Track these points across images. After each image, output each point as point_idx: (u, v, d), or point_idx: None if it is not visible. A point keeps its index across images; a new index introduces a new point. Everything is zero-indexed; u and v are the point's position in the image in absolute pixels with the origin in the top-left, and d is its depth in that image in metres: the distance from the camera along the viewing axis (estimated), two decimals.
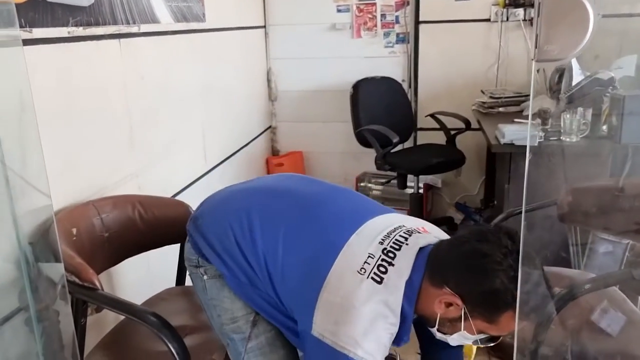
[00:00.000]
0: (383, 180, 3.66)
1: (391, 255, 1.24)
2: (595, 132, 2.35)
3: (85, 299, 1.35)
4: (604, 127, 2.40)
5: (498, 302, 1.15)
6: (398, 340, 1.29)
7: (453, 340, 1.27)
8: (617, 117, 2.24)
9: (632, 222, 1.59)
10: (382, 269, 1.22)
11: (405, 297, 1.21)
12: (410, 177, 3.37)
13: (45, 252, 1.31)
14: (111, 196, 1.71)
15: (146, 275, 1.99)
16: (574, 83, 2.47)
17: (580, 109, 2.33)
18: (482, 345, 1.30)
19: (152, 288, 1.85)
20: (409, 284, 1.22)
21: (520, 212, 1.92)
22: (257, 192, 1.49)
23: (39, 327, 1.26)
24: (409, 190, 3.47)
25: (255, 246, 1.32)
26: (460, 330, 1.23)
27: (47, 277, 1.31)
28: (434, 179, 3.69)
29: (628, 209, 1.63)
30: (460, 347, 1.49)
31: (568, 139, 2.31)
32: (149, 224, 1.74)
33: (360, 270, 1.21)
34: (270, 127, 3.86)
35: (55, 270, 1.31)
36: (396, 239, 1.27)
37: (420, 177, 3.43)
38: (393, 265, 1.23)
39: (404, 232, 1.30)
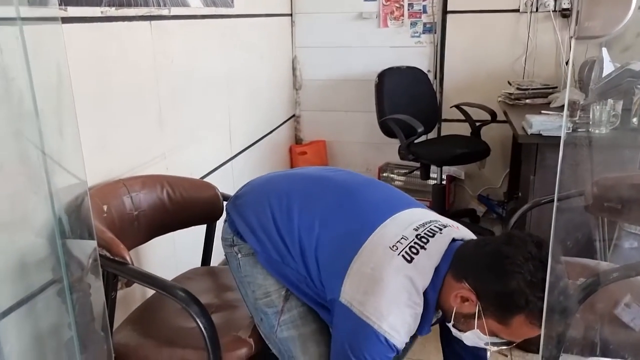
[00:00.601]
0: (405, 171, 3.65)
1: (424, 240, 1.28)
2: (625, 125, 2.32)
3: (116, 272, 1.38)
4: (635, 120, 2.36)
5: (510, 304, 1.16)
6: (420, 328, 1.31)
7: (467, 338, 1.29)
8: None
9: None
10: (413, 250, 1.25)
11: (431, 282, 1.24)
12: (433, 168, 3.36)
13: (78, 227, 1.33)
14: (141, 175, 1.74)
15: (172, 255, 2.02)
16: (604, 74, 2.43)
17: (610, 101, 2.30)
18: (495, 349, 1.31)
19: (178, 268, 1.88)
20: (436, 271, 1.25)
21: (546, 202, 1.91)
22: (299, 177, 1.56)
23: (72, 298, 1.30)
24: (432, 182, 3.46)
25: (291, 222, 1.36)
26: (473, 328, 1.25)
27: (79, 250, 1.34)
28: (457, 171, 3.67)
29: None
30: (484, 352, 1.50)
31: (597, 131, 2.28)
32: (177, 204, 1.77)
33: (393, 247, 1.25)
34: (294, 115, 3.87)
35: (88, 244, 1.34)
36: (431, 228, 1.31)
37: (444, 168, 3.42)
38: (425, 249, 1.26)
39: (439, 224, 1.34)
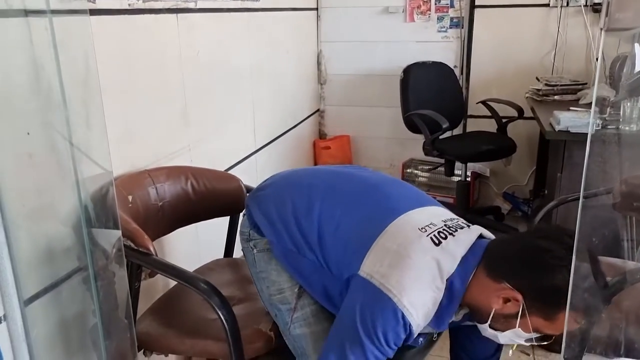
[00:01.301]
0: (430, 167, 3.63)
1: (453, 229, 1.28)
2: None
3: (139, 263, 1.40)
4: None
5: (558, 299, 1.12)
6: (439, 321, 1.29)
7: (504, 337, 1.27)
8: None
9: None
10: (442, 235, 1.25)
11: (456, 273, 1.22)
12: (457, 165, 3.32)
13: (103, 216, 1.36)
14: (165, 166, 1.76)
15: (195, 245, 2.04)
16: (636, 70, 2.37)
17: None
18: (535, 344, 1.28)
19: (200, 259, 1.90)
20: (464, 261, 1.23)
21: (573, 200, 1.87)
22: (322, 172, 1.58)
23: (96, 286, 1.32)
24: (456, 178, 3.42)
25: (311, 211, 1.36)
26: (514, 327, 1.23)
27: (105, 239, 1.36)
28: (482, 168, 3.62)
29: None
30: (499, 347, 1.48)
31: (627, 128, 2.22)
32: (201, 195, 1.78)
33: (422, 229, 1.25)
34: (318, 110, 3.87)
35: (113, 234, 1.36)
36: (458, 224, 1.31)
37: (468, 165, 3.38)
38: (454, 236, 1.25)
39: (465, 222, 1.34)
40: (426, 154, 3.24)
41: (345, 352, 1.22)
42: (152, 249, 1.37)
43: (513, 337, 1.27)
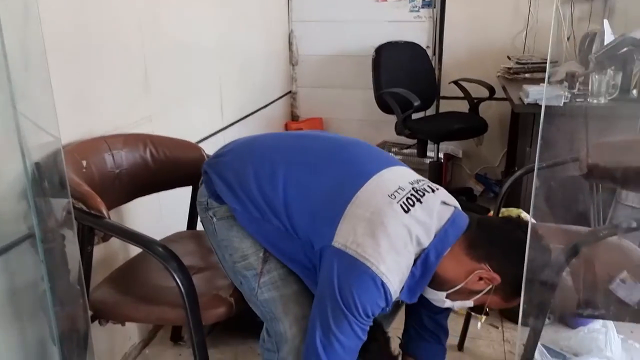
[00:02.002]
0: (404, 150, 3.61)
1: (420, 194, 1.27)
2: (624, 95, 2.27)
3: (91, 225, 1.34)
4: (634, 91, 2.31)
5: None
6: (411, 294, 1.29)
7: (449, 304, 1.31)
8: None
9: None
10: (410, 201, 1.24)
11: (434, 247, 1.23)
12: (430, 146, 3.31)
13: (52, 181, 1.30)
14: (123, 134, 1.70)
15: (157, 217, 1.98)
16: (605, 44, 2.38)
17: (609, 71, 2.25)
18: (472, 313, 1.39)
19: (163, 231, 1.84)
20: (443, 235, 1.24)
21: (540, 168, 1.86)
22: (284, 135, 1.55)
23: (44, 250, 1.26)
24: (429, 160, 3.41)
25: (275, 176, 1.32)
26: (470, 300, 1.29)
27: (54, 204, 1.30)
28: (455, 149, 3.62)
29: None
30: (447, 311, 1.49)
31: (595, 101, 2.23)
32: (161, 164, 1.73)
33: (391, 195, 1.24)
34: (290, 92, 3.82)
35: (61, 196, 1.30)
36: (424, 187, 1.30)
37: (441, 146, 3.37)
38: (421, 202, 1.25)
39: (430, 185, 1.33)
40: (398, 134, 3.22)
41: (332, 329, 1.20)
42: (104, 211, 1.32)
43: (457, 305, 1.32)
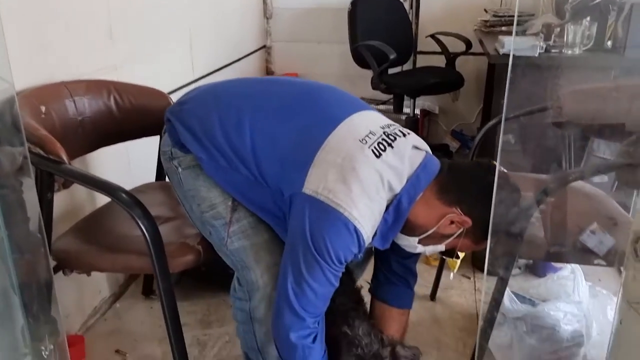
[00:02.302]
0: (379, 106, 3.57)
1: (392, 138, 1.25)
2: (599, 46, 2.25)
3: (50, 171, 1.29)
4: (609, 42, 2.30)
5: None
6: (384, 240, 1.28)
7: (421, 249, 1.32)
8: (623, 29, 2.14)
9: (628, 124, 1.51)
10: (381, 146, 1.22)
11: (406, 192, 1.22)
12: (406, 102, 3.28)
13: (4, 124, 1.24)
14: (85, 79, 1.63)
15: (125, 168, 1.94)
16: None
17: (585, 21, 2.22)
18: (444, 257, 1.43)
19: (132, 182, 1.79)
20: (415, 179, 1.22)
21: (513, 117, 1.85)
22: (250, 81, 1.50)
23: None
24: (404, 116, 3.38)
25: (241, 123, 1.28)
26: (442, 244, 1.30)
27: (6, 148, 1.25)
28: (431, 105, 3.59)
29: (624, 112, 1.55)
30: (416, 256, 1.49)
31: (570, 52, 2.21)
32: (126, 113, 1.67)
33: (362, 140, 1.21)
34: (264, 46, 3.72)
35: (16, 141, 1.24)
36: (395, 132, 1.28)
37: (417, 102, 3.34)
38: (392, 147, 1.23)
39: (401, 129, 1.31)
40: (374, 88, 3.18)
41: (304, 276, 1.19)
42: (64, 156, 1.27)
43: (429, 250, 1.33)
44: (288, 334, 1.22)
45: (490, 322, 1.48)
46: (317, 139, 1.21)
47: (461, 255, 2.14)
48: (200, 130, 1.30)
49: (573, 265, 1.86)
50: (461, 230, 1.24)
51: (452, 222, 1.23)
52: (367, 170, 1.17)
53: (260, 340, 1.37)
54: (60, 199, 1.75)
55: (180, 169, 1.36)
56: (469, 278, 2.26)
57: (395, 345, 1.30)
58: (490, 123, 1.86)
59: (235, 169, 1.27)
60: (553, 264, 2.15)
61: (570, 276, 1.81)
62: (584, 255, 1.43)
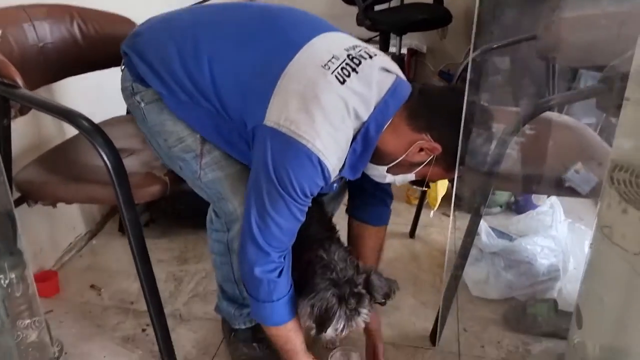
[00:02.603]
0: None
1: (356, 62, 1.17)
2: None
3: (5, 95, 1.23)
4: None
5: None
6: (354, 171, 1.25)
7: (390, 178, 1.28)
8: None
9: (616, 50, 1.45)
10: (345, 71, 1.15)
11: (374, 119, 1.17)
12: (393, 41, 3.18)
13: None
14: (45, 3, 1.54)
15: (95, 101, 1.85)
16: None
17: None
18: (414, 186, 1.35)
19: (104, 116, 1.72)
20: (383, 105, 1.16)
21: (495, 47, 1.79)
22: (206, 8, 1.39)
23: None
24: (390, 55, 3.29)
25: (199, 53, 1.21)
26: (411, 173, 1.26)
27: None
28: (419, 44, 3.50)
29: (613, 39, 1.49)
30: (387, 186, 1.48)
31: None
32: (91, 41, 1.59)
33: (324, 66, 1.14)
34: None
35: None
36: (360, 54, 1.20)
37: (404, 41, 3.25)
38: (357, 72, 1.16)
39: (368, 50, 1.23)
40: (359, 24, 3.07)
41: (268, 211, 1.15)
42: (19, 80, 1.20)
43: (398, 179, 1.29)
44: (253, 268, 1.19)
45: (463, 255, 1.47)
46: (276, 67, 1.14)
47: (433, 185, 2.14)
48: (159, 64, 1.24)
49: (552, 200, 1.84)
50: (431, 157, 1.20)
51: (421, 150, 1.19)
52: (331, 98, 1.11)
53: (237, 271, 1.34)
54: (27, 132, 1.69)
55: (143, 104, 1.30)
56: (449, 216, 2.24)
57: (370, 274, 1.28)
58: (473, 55, 1.79)
59: (197, 103, 1.22)
60: (534, 201, 2.14)
61: (549, 211, 1.79)
62: (564, 189, 1.40)
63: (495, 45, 1.76)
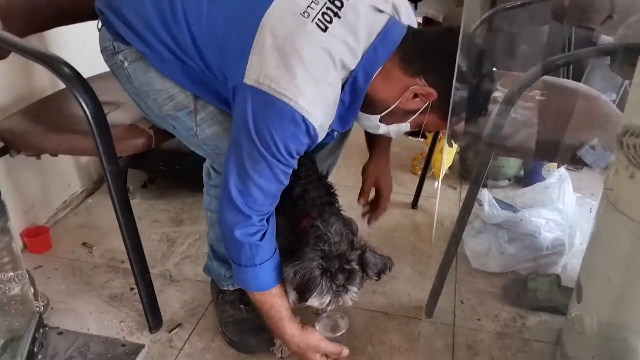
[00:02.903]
0: None
1: (338, 4, 1.08)
2: None
3: None
4: None
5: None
6: (344, 123, 1.18)
7: (384, 129, 1.21)
8: None
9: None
10: (327, 17, 1.06)
11: (363, 67, 1.09)
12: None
13: None
14: None
15: (90, 54, 1.80)
16: None
17: None
18: (410, 137, 1.29)
19: (99, 71, 1.67)
20: (373, 52, 1.09)
21: (510, 8, 1.69)
22: None
23: None
24: None
25: (175, 9, 1.13)
26: (406, 122, 1.18)
27: None
28: (435, 14, 3.38)
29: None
30: None
31: None
32: None
33: (304, 13, 1.06)
34: None
35: None
36: None
37: (420, 10, 3.14)
38: (339, 17, 1.07)
39: None
40: None
41: (249, 173, 1.08)
42: None
43: (393, 130, 1.21)
44: (233, 231, 1.14)
45: (460, 225, 1.40)
46: (252, 19, 1.06)
47: (438, 155, 2.05)
48: (138, 22, 1.16)
49: (562, 173, 1.75)
50: (426, 104, 1.12)
51: (416, 96, 1.11)
52: (312, 49, 1.03)
53: None
54: (19, 85, 1.65)
55: (127, 64, 1.23)
56: (456, 189, 2.17)
57: (365, 251, 1.22)
58: (485, 15, 1.70)
59: (182, 61, 1.16)
60: (544, 175, 2.05)
61: (557, 184, 1.71)
62: (575, 158, 1.32)
63: (509, 6, 1.66)
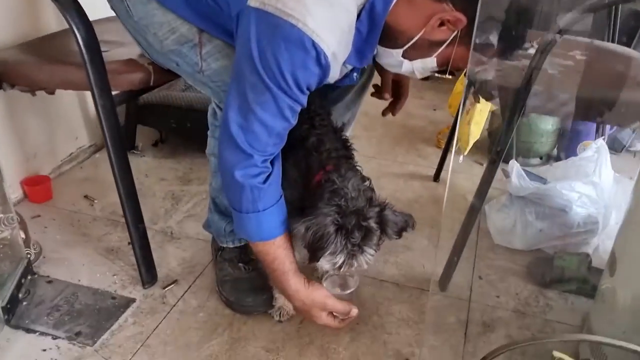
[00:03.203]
0: None
1: None
2: None
3: None
4: None
5: None
6: (361, 56, 1.06)
7: (408, 67, 1.08)
8: None
9: None
10: None
11: None
12: None
13: None
14: None
15: None
16: None
17: None
18: (437, 75, 1.13)
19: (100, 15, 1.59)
20: None
21: None
22: None
23: None
24: None
25: None
26: (432, 56, 1.05)
27: None
28: None
29: None
30: None
31: None
32: None
33: None
34: None
35: None
36: None
37: None
38: None
39: None
40: None
41: (251, 106, 0.98)
42: None
43: (417, 67, 1.08)
44: (233, 171, 1.03)
45: (480, 196, 1.27)
46: None
47: (464, 126, 1.90)
48: None
49: (599, 144, 1.60)
50: (455, 33, 0.99)
51: (442, 24, 0.99)
52: None
53: None
54: (24, 22, 1.58)
55: None
56: (482, 164, 2.03)
57: (384, 208, 1.09)
58: None
59: None
60: (577, 152, 1.89)
61: (593, 157, 1.55)
62: (608, 115, 1.18)
63: None
